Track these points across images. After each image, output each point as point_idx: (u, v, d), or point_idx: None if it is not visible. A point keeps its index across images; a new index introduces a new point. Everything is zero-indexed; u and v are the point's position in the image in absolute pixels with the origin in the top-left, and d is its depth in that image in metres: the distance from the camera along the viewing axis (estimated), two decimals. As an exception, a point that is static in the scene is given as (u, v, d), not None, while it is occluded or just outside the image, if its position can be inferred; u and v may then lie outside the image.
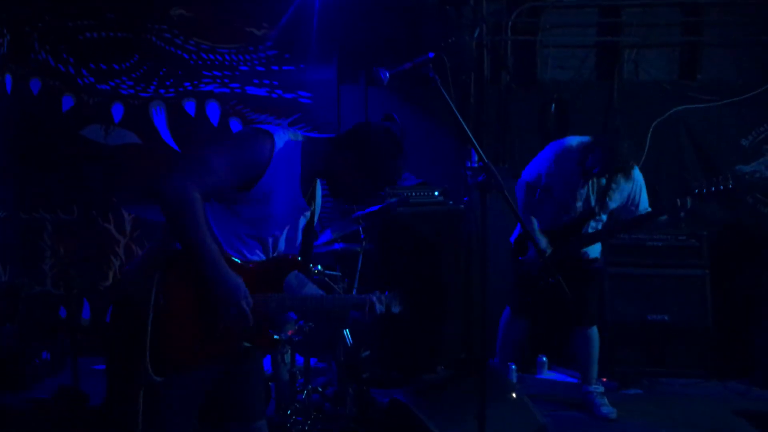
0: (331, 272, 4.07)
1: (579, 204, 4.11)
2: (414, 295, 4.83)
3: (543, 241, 4.08)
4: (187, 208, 2.05)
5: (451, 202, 5.05)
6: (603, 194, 4.07)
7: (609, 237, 4.26)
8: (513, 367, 4.72)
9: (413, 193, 4.98)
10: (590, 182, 4.08)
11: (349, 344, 4.02)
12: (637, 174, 4.11)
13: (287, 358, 3.88)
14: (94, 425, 3.77)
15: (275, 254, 2.33)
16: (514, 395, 4.31)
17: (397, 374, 4.75)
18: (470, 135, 2.44)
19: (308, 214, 2.39)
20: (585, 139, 4.10)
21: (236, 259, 2.22)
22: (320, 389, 4.13)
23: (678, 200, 3.81)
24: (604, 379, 4.71)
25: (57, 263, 5.57)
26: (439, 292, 4.97)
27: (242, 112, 5.57)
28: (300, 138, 2.29)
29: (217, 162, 2.11)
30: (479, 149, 2.47)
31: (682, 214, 3.82)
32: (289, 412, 3.76)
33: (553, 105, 5.54)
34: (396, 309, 2.42)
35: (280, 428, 3.65)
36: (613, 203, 4.11)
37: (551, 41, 5.70)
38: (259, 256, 2.28)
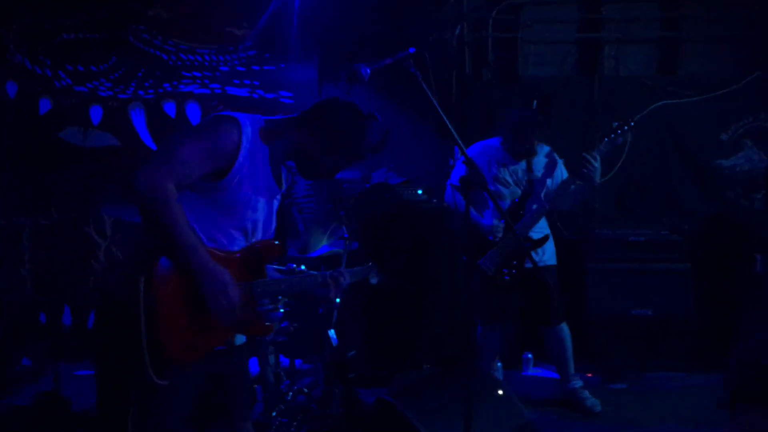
0: (315, 272, 4.04)
1: (509, 189, 4.23)
2: (399, 294, 4.84)
3: (490, 220, 4.16)
4: (162, 203, 2.01)
5: (435, 200, 5.03)
6: (527, 174, 4.23)
7: (548, 208, 4.24)
8: (499, 364, 4.71)
9: (397, 192, 4.97)
10: (512, 167, 4.24)
11: (334, 344, 3.99)
12: (545, 147, 4.34)
13: (272, 359, 3.85)
14: (77, 431, 3.72)
15: (254, 240, 2.30)
16: (500, 392, 4.31)
17: (383, 373, 4.73)
18: (452, 131, 2.43)
19: (280, 197, 2.38)
20: (493, 140, 4.36)
21: (217, 251, 2.19)
22: (306, 390, 4.10)
23: (588, 157, 3.95)
24: (589, 374, 4.73)
25: (36, 268, 5.49)
26: (424, 290, 4.96)
27: (223, 113, 5.52)
28: (263, 121, 2.28)
29: (188, 152, 2.07)
30: (461, 144, 2.46)
31: (596, 164, 3.95)
32: (275, 413, 3.73)
33: (535, 101, 5.54)
34: (374, 280, 2.47)
35: (267, 430, 3.62)
36: (540, 176, 4.24)
37: (532, 38, 5.71)
38: (239, 244, 2.25)
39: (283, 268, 2.53)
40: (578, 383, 4.33)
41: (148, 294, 2.04)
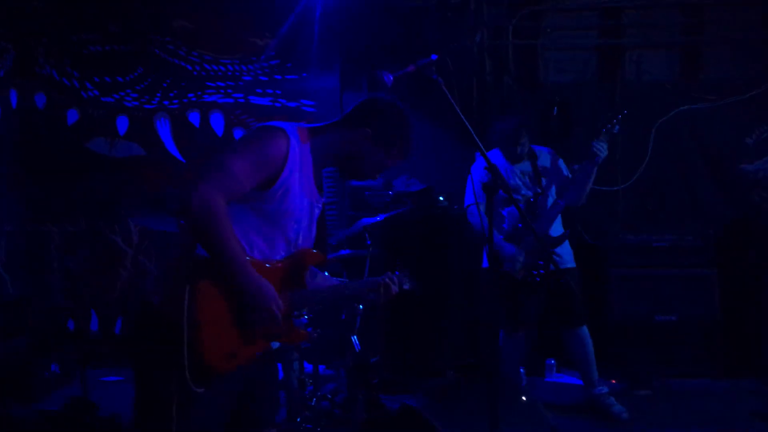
0: (339, 279, 4.07)
1: (521, 193, 4.26)
2: (421, 300, 4.85)
3: (512, 248, 4.16)
4: (214, 218, 2.03)
5: (456, 207, 5.05)
6: (534, 175, 4.29)
7: (563, 205, 4.26)
8: (522, 370, 4.70)
9: (418, 199, 4.99)
10: (518, 171, 4.29)
11: (357, 350, 4.02)
12: (543, 147, 4.41)
13: (296, 365, 3.88)
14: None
15: (296, 249, 2.32)
16: (524, 399, 4.30)
17: (406, 379, 4.74)
18: (474, 136, 2.45)
19: (321, 205, 2.38)
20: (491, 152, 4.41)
21: (261, 260, 2.21)
22: (330, 396, 4.13)
23: (593, 145, 4.04)
24: (614, 381, 4.70)
25: (64, 275, 5.59)
26: (447, 295, 4.97)
27: (246, 122, 5.59)
28: (306, 129, 2.29)
29: (238, 165, 2.08)
30: (483, 150, 2.47)
31: (601, 154, 4.04)
32: (299, 419, 3.76)
33: (555, 108, 5.53)
34: (407, 286, 2.48)
35: (291, 435, 3.64)
36: (548, 175, 4.30)
37: (552, 44, 5.72)
38: (281, 253, 2.26)
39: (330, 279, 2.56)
40: (604, 389, 4.31)
41: (192, 304, 2.05)
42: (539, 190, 4.28)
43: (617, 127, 4.09)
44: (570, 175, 4.28)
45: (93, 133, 5.60)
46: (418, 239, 4.95)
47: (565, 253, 4.29)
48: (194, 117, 5.62)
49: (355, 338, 4.02)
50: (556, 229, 4.29)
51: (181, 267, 2.16)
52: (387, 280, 2.42)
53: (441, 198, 5.06)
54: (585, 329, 4.25)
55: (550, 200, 4.25)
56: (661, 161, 5.38)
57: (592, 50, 5.75)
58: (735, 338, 4.96)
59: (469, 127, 2.43)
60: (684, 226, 5.22)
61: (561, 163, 4.38)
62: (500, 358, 4.46)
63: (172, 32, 5.56)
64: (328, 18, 5.43)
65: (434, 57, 2.41)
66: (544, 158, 4.37)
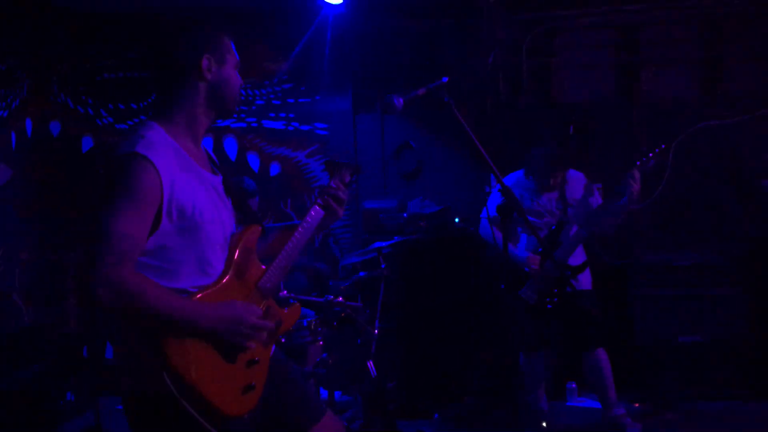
0: (353, 303, 4.02)
1: (544, 220, 4.18)
2: (438, 324, 4.78)
3: (526, 253, 4.12)
4: (134, 297, 1.80)
5: (472, 228, 4.99)
6: (561, 201, 4.20)
7: (586, 236, 4.15)
8: (543, 395, 4.60)
9: (433, 221, 4.94)
10: (546, 197, 4.21)
11: (373, 376, 3.95)
12: (578, 174, 4.30)
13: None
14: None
15: (230, 240, 2.12)
16: (544, 425, 4.21)
17: (423, 405, 4.66)
18: (487, 158, 2.40)
19: (220, 179, 2.13)
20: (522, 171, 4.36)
21: (209, 284, 2.01)
22: (346, 423, 4.06)
23: (628, 176, 3.88)
24: (636, 405, 4.58)
25: (79, 303, 5.58)
26: (464, 319, 4.89)
27: (259, 146, 5.59)
28: (150, 123, 2.01)
29: (121, 223, 1.83)
30: (497, 172, 2.42)
31: (636, 188, 3.88)
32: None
33: (572, 127, 5.47)
34: (347, 174, 2.32)
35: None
36: (576, 204, 4.20)
37: (567, 63, 5.67)
38: (219, 261, 2.05)
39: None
40: (620, 411, 4.19)
41: (179, 382, 1.85)
42: (565, 218, 4.18)
43: (653, 161, 3.95)
44: (600, 203, 4.11)
45: (108, 160, 5.61)
46: (434, 262, 4.89)
47: (582, 276, 4.21)
48: (207, 142, 5.63)
49: (371, 363, 3.95)
50: (577, 257, 4.18)
51: (139, 347, 1.92)
52: (328, 191, 2.25)
53: (456, 220, 5.00)
54: (602, 351, 4.16)
55: (574, 229, 4.15)
56: (682, 179, 5.29)
57: (608, 68, 5.69)
58: (763, 359, 4.83)
59: (481, 149, 2.38)
60: (707, 245, 5.12)
61: (594, 194, 4.23)
62: (522, 381, 4.39)
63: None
64: (340, 40, 5.44)
65: (445, 79, 2.37)
66: (576, 186, 4.25)
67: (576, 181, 4.28)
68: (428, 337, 4.80)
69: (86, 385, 5.00)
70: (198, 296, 1.95)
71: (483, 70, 5.52)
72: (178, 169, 1.95)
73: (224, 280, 2.03)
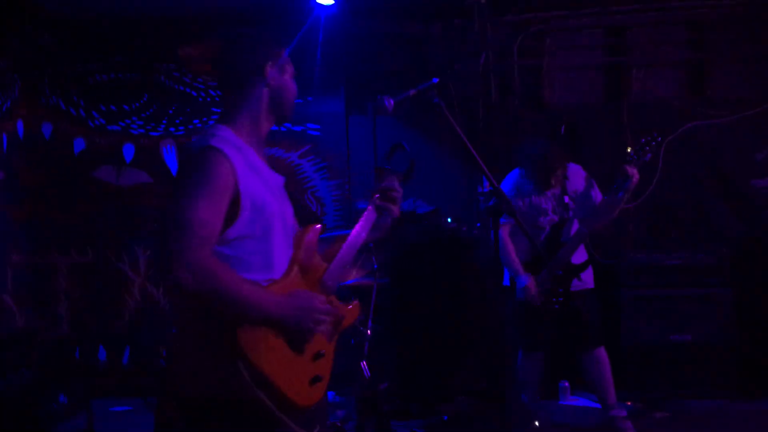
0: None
1: (547, 218, 4.18)
2: (431, 324, 4.80)
3: (527, 280, 4.08)
4: (214, 279, 1.87)
5: (464, 228, 5.01)
6: (561, 199, 4.17)
7: (587, 233, 4.13)
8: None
9: (426, 221, 4.96)
10: (549, 194, 4.18)
11: (367, 376, 3.96)
12: (576, 167, 4.26)
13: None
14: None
15: (291, 239, 2.19)
16: (537, 424, 4.23)
17: (417, 406, 4.68)
18: (478, 159, 2.42)
19: (283, 180, 2.23)
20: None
21: (279, 278, 2.07)
22: (339, 424, 4.07)
23: (624, 169, 3.86)
24: (629, 403, 4.61)
25: (72, 305, 5.57)
26: (457, 320, 4.91)
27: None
28: (221, 126, 2.11)
29: (200, 211, 1.90)
30: (488, 173, 2.44)
31: (635, 180, 3.87)
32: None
33: (563, 127, 5.50)
34: (397, 168, 2.36)
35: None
36: (576, 199, 4.18)
37: (558, 64, 5.70)
38: (283, 257, 2.11)
39: None
40: (621, 413, 4.20)
41: (254, 372, 1.91)
42: (566, 216, 4.16)
43: (649, 155, 3.92)
44: (601, 198, 4.11)
45: (100, 162, 5.62)
46: (427, 262, 4.91)
47: (585, 275, 4.19)
48: (200, 143, 5.63)
49: (364, 364, 3.97)
50: (579, 255, 4.17)
51: (209, 341, 1.96)
52: (382, 194, 2.30)
53: (449, 220, 5.02)
54: (602, 350, 4.17)
55: (575, 227, 4.14)
56: (672, 179, 5.33)
57: (598, 69, 5.73)
58: (752, 358, 4.87)
59: (472, 150, 2.40)
60: (696, 245, 5.15)
61: (594, 186, 4.22)
62: (518, 379, 4.40)
63: (176, 59, 5.59)
64: (332, 42, 5.45)
65: (435, 80, 2.38)
66: (577, 180, 4.22)
67: (576, 174, 4.25)
68: (421, 337, 4.82)
69: (79, 387, 4.99)
70: (268, 288, 2.02)
71: (474, 72, 5.55)
72: (248, 167, 2.04)
73: (291, 275, 2.09)
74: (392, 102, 2.36)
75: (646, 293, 4.92)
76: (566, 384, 4.98)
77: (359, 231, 2.28)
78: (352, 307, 2.30)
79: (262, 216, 2.03)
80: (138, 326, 5.58)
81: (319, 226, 2.24)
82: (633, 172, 3.86)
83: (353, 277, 4.16)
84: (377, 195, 2.32)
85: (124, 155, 5.62)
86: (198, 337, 1.99)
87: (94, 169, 5.61)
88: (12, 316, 5.35)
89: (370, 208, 2.32)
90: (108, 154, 5.62)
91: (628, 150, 3.94)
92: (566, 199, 4.19)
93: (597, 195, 4.19)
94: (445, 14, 5.58)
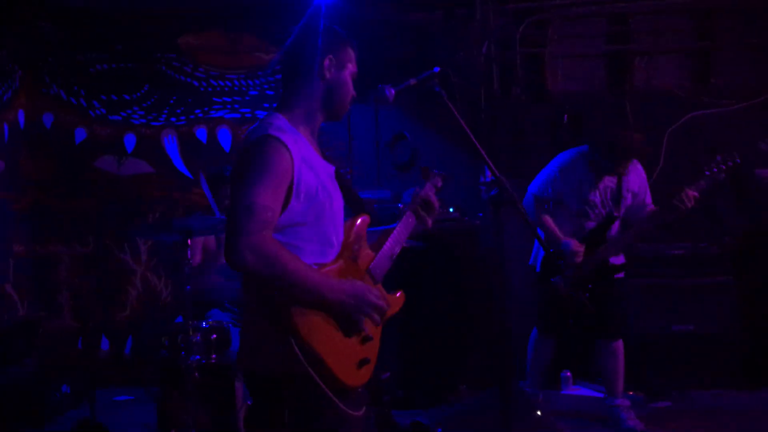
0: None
1: (595, 211, 4.09)
2: (433, 314, 4.79)
3: (571, 243, 4.01)
4: (275, 261, 1.95)
5: (467, 218, 4.99)
6: (617, 194, 4.07)
7: (634, 240, 4.15)
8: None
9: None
10: (602, 186, 4.07)
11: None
12: (639, 167, 4.16)
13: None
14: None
15: (341, 228, 2.24)
16: (539, 413, 4.23)
17: (418, 395, 4.68)
18: (480, 149, 2.41)
19: (333, 169, 2.27)
20: (584, 147, 4.16)
21: (329, 261, 2.13)
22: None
23: (688, 190, 3.80)
24: (631, 393, 4.61)
25: (74, 295, 5.58)
26: (459, 309, 4.91)
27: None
28: (281, 114, 2.17)
29: (262, 196, 1.99)
30: (490, 163, 2.43)
31: (688, 206, 3.80)
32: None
33: (566, 117, 5.48)
34: (439, 182, 2.51)
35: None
36: (629, 201, 4.10)
37: (560, 53, 5.67)
38: (335, 244, 2.18)
39: None
40: (625, 402, 4.19)
41: (307, 352, 1.98)
42: (616, 214, 4.07)
43: (723, 174, 3.82)
44: (652, 211, 4.05)
45: (101, 152, 5.61)
46: (430, 252, 4.90)
47: (620, 263, 4.16)
48: (201, 133, 5.62)
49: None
50: (618, 256, 4.13)
51: (266, 321, 2.05)
52: (423, 195, 2.41)
53: (451, 210, 5.01)
54: (620, 342, 4.16)
55: (621, 231, 4.07)
56: (675, 168, 5.30)
57: (601, 57, 5.69)
58: (755, 348, 4.86)
59: (474, 139, 2.38)
60: (699, 235, 5.14)
61: (648, 193, 4.14)
62: (527, 360, 4.40)
63: (177, 49, 5.57)
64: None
65: (436, 69, 2.37)
66: (635, 179, 4.11)
67: (637, 172, 4.13)
68: (423, 327, 4.81)
69: (82, 377, 5.00)
70: (320, 270, 2.08)
71: (476, 61, 5.52)
72: (302, 156, 2.09)
73: (341, 261, 2.16)
74: (393, 91, 2.36)
75: (649, 283, 4.91)
76: (568, 374, 4.98)
77: (401, 230, 2.38)
78: (399, 296, 2.36)
79: (314, 204, 2.09)
80: (140, 316, 5.59)
81: (368, 216, 2.30)
82: (691, 196, 3.77)
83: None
84: (419, 204, 2.41)
85: (126, 145, 5.61)
86: (257, 314, 2.09)
87: (95, 159, 5.61)
88: (14, 306, 5.37)
89: (409, 212, 2.41)
90: (109, 144, 5.61)
91: (704, 168, 3.82)
92: (624, 192, 4.07)
93: (649, 203, 4.12)
94: (447, 3, 5.54)
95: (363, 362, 2.13)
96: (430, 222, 2.44)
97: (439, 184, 2.50)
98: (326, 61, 2.20)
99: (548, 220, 4.13)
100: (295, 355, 1.97)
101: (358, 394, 2.13)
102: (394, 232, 2.35)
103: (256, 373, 2.09)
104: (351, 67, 2.28)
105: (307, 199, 2.08)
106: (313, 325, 2.01)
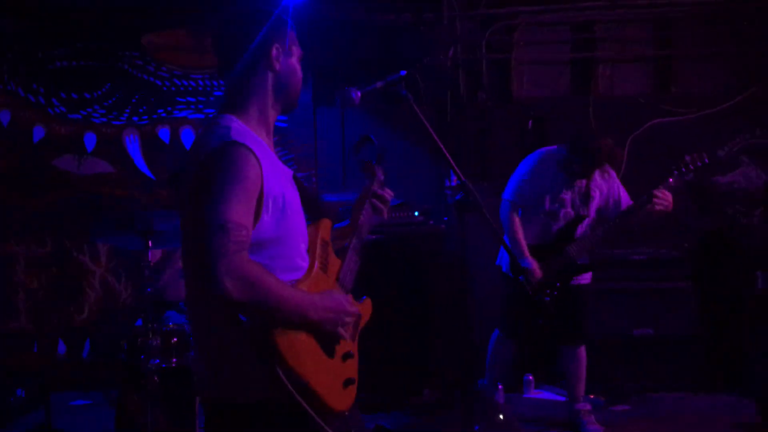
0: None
1: (565, 210, 4.12)
2: (397, 318, 4.78)
3: (532, 264, 4.03)
4: (257, 288, 1.75)
5: (432, 222, 5.00)
6: (585, 195, 4.09)
7: (602, 238, 4.17)
8: (500, 386, 4.65)
9: (393, 214, 4.93)
10: (573, 186, 4.09)
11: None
12: (612, 173, 4.20)
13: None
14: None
15: (308, 230, 2.09)
16: (501, 417, 4.25)
17: (381, 399, 4.67)
18: (445, 153, 2.40)
19: (292, 173, 2.09)
20: (553, 147, 4.18)
21: (302, 277, 1.96)
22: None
23: (656, 191, 3.85)
24: (592, 396, 4.66)
25: (30, 297, 5.44)
26: (423, 313, 4.91)
27: (217, 138, 5.51)
28: (232, 118, 1.96)
29: (234, 212, 1.76)
30: (456, 168, 2.42)
31: (661, 207, 3.86)
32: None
33: (531, 122, 5.53)
34: (377, 164, 2.35)
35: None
36: (597, 202, 4.13)
37: (526, 59, 5.72)
38: (304, 253, 2.02)
39: None
40: (586, 406, 4.24)
41: (293, 377, 1.80)
42: (583, 214, 4.09)
43: (691, 174, 3.88)
44: (624, 202, 4.08)
45: (60, 151, 5.48)
46: (394, 256, 4.89)
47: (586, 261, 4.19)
48: (164, 133, 5.53)
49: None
50: (583, 256, 4.16)
51: (245, 348, 1.83)
52: (374, 191, 2.27)
53: (416, 213, 5.01)
54: (583, 349, 4.21)
55: (588, 229, 4.10)
56: (635, 175, 5.38)
57: (566, 64, 5.76)
58: (714, 351, 4.96)
59: (440, 143, 2.38)
60: (660, 240, 5.22)
61: (621, 191, 4.16)
62: (489, 362, 4.41)
63: (140, 47, 5.47)
64: (300, 34, 5.38)
65: (403, 73, 2.35)
66: (603, 182, 4.13)
67: (606, 176, 4.15)
68: (386, 330, 4.80)
69: (37, 381, 4.88)
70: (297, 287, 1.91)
71: (443, 65, 5.54)
72: (266, 160, 1.89)
73: (313, 272, 1.98)
74: (359, 94, 2.33)
75: (611, 287, 4.97)
76: (530, 377, 5.02)
77: (360, 232, 2.24)
78: (365, 304, 2.24)
79: (284, 216, 1.91)
80: (98, 319, 5.48)
81: (330, 221, 2.14)
82: (663, 197, 3.83)
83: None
84: (374, 198, 2.28)
85: (86, 144, 5.49)
86: (225, 337, 1.86)
87: (54, 158, 5.48)
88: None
89: (367, 206, 2.27)
90: (69, 142, 5.49)
91: (673, 168, 3.88)
92: (592, 192, 4.09)
93: (623, 198, 4.15)
94: (415, 7, 5.54)
95: (348, 382, 2.00)
96: (386, 213, 2.31)
97: (382, 177, 2.33)
98: (273, 51, 2.01)
99: (519, 232, 4.13)
100: (279, 381, 1.78)
101: (345, 418, 1.99)
102: (353, 239, 2.20)
103: (227, 401, 1.88)
104: (296, 51, 2.11)
105: (276, 210, 1.88)
106: (297, 348, 1.83)
